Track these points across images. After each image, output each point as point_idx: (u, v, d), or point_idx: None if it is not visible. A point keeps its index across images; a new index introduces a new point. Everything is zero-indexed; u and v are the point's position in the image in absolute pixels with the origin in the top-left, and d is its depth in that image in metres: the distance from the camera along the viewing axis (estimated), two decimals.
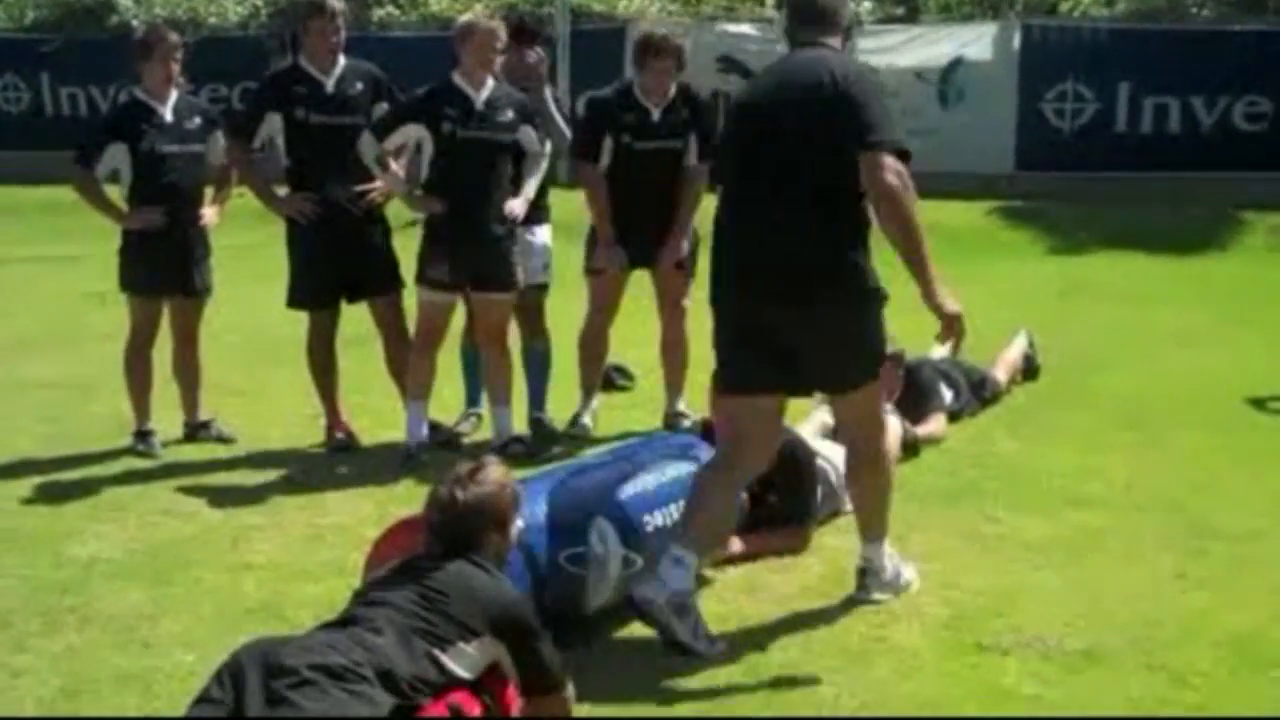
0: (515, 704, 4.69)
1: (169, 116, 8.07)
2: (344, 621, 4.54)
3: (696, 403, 8.07)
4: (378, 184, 7.98)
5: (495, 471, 4.92)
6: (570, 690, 4.71)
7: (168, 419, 8.48)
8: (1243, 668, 5.20)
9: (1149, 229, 16.11)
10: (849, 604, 5.82)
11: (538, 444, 8.03)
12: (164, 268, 8.09)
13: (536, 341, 8.55)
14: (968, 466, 7.81)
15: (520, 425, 8.25)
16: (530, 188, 7.92)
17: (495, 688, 4.64)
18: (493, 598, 4.62)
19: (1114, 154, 17.89)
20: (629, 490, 5.78)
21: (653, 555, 5.47)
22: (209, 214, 8.29)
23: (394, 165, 7.82)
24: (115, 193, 8.19)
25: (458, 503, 4.76)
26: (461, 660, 4.51)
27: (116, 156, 8.03)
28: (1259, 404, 9.11)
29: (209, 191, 8.44)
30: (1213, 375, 9.89)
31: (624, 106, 8.01)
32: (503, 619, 4.60)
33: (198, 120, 8.22)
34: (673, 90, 7.89)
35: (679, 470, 5.92)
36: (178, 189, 8.10)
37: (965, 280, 9.47)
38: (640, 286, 8.50)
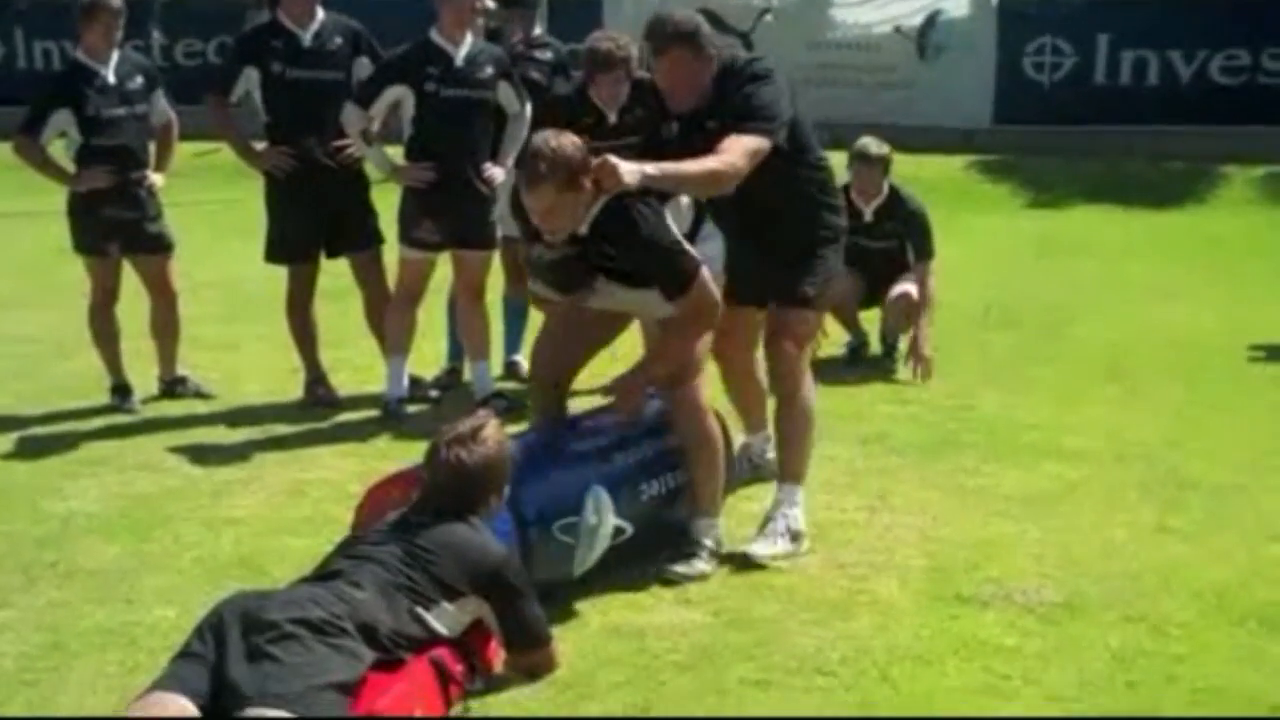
0: (497, 659, 4.71)
1: (111, 78, 8.00)
2: (325, 575, 4.54)
3: None
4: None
5: (494, 432, 4.93)
6: (555, 645, 4.73)
7: (146, 375, 8.44)
8: (1222, 619, 5.22)
9: (1128, 182, 16.13)
10: (829, 558, 5.83)
11: (512, 395, 8.01)
12: (114, 227, 8.04)
13: (519, 291, 8.51)
14: (947, 420, 7.82)
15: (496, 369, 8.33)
16: (512, 154, 7.87)
17: (477, 644, 4.66)
18: (479, 557, 4.63)
19: (1093, 107, 17.86)
20: (627, 457, 5.76)
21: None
22: (155, 178, 8.24)
23: (378, 132, 7.79)
24: (59, 149, 8.14)
25: (464, 465, 4.78)
26: (444, 618, 4.53)
27: (62, 121, 7.97)
28: (1238, 356, 9.14)
29: (153, 149, 8.39)
30: (1192, 328, 9.91)
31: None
32: (487, 577, 4.61)
33: (140, 80, 8.15)
34: (624, 95, 7.63)
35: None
36: (125, 149, 8.06)
37: (943, 234, 9.49)
38: None
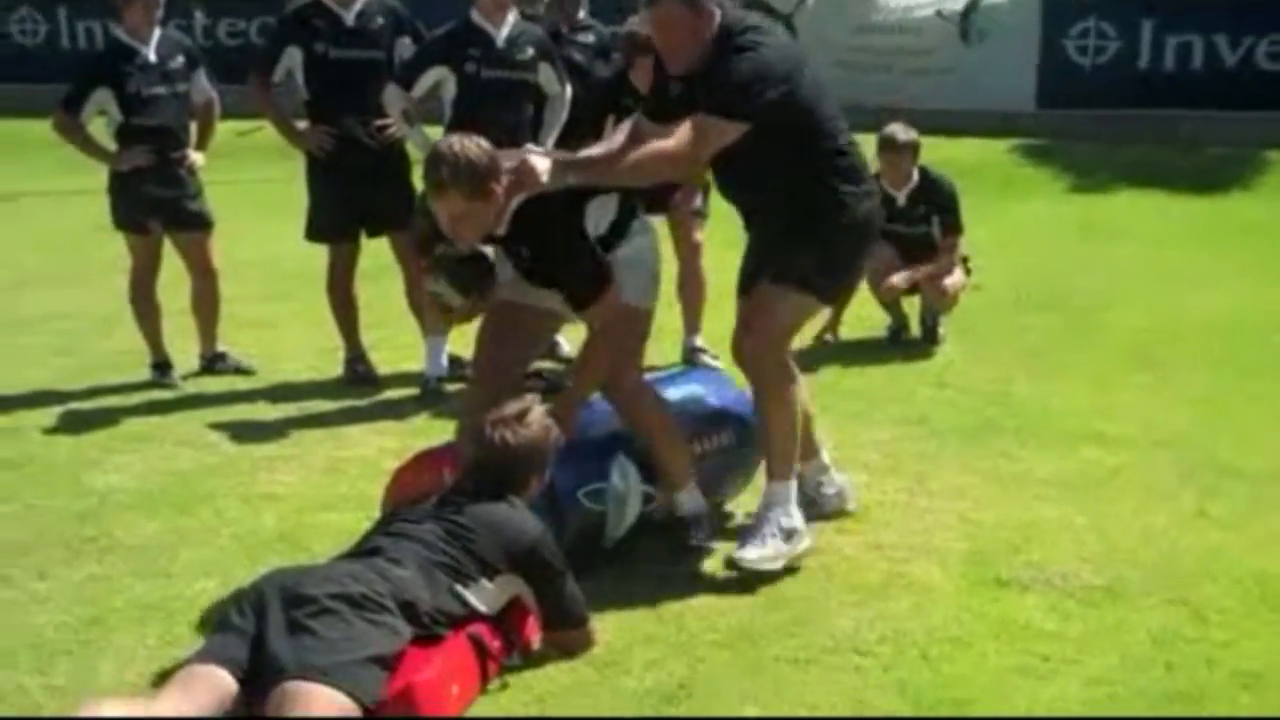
0: (535, 636, 4.71)
1: (152, 57, 8.04)
2: (366, 552, 4.55)
3: (712, 337, 8.05)
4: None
5: (539, 415, 4.94)
6: (592, 625, 4.74)
7: (187, 351, 8.48)
8: (1262, 605, 5.19)
9: (1170, 168, 16.02)
10: (868, 539, 5.82)
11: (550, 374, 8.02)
12: (154, 205, 8.10)
13: None
14: (986, 405, 7.79)
15: None
16: (552, 136, 7.88)
17: (515, 620, 4.67)
18: (517, 535, 4.64)
19: (1136, 92, 17.74)
20: None
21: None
22: (195, 157, 8.28)
23: (419, 114, 7.79)
24: (100, 127, 8.18)
25: (510, 447, 4.80)
26: (483, 596, 4.54)
27: (102, 99, 8.01)
28: (1277, 343, 9.06)
29: (194, 128, 8.43)
30: (1232, 314, 9.85)
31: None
32: (526, 556, 4.62)
33: (180, 59, 8.20)
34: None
35: (702, 409, 5.88)
36: (165, 129, 8.11)
37: (983, 218, 9.48)
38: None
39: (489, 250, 5.21)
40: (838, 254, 5.54)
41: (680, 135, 5.08)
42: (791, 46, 5.48)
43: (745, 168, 5.36)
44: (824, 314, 7.90)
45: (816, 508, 5.97)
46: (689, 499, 5.65)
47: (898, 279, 9.07)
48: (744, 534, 5.52)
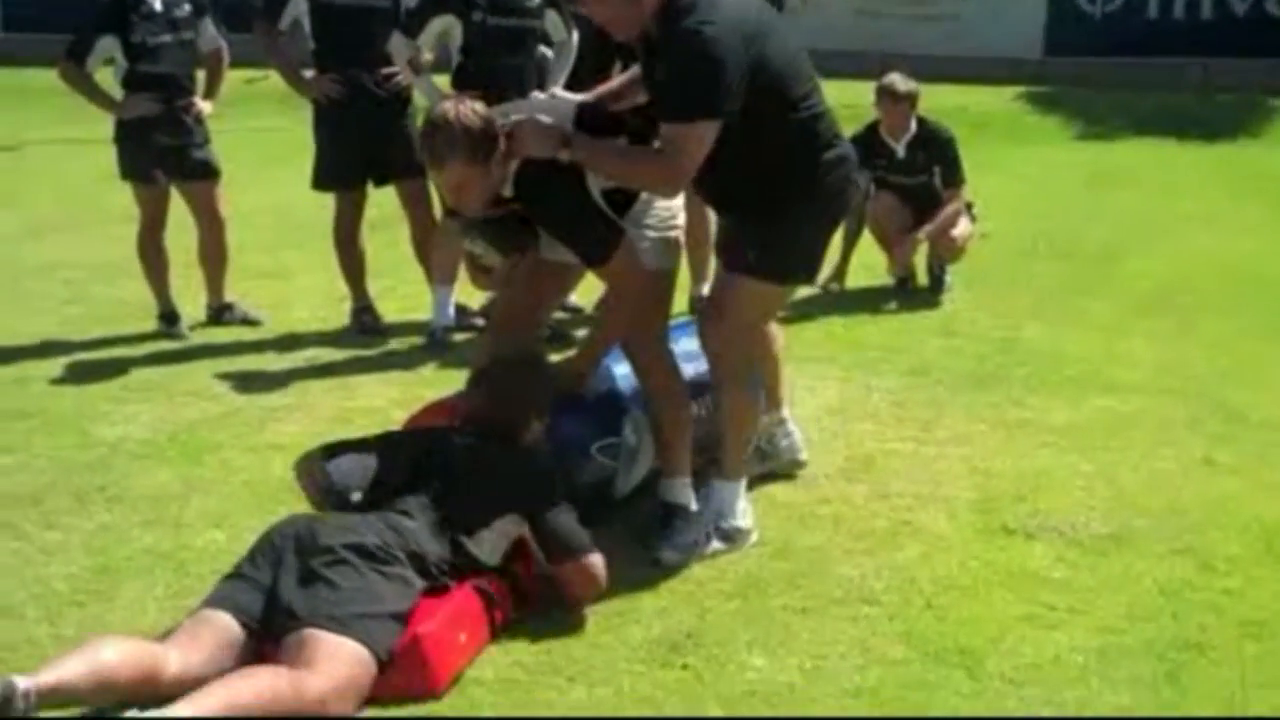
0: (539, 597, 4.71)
1: (158, 5, 7.99)
2: (375, 502, 4.56)
3: None
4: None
5: (536, 357, 4.94)
6: (597, 556, 4.67)
7: (194, 302, 8.48)
8: (1269, 554, 5.19)
9: (1179, 115, 15.97)
10: (875, 488, 5.82)
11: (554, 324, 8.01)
12: (161, 154, 8.06)
13: None
14: (995, 352, 7.78)
15: None
16: (558, 83, 7.84)
17: (523, 571, 4.67)
18: (521, 473, 4.66)
19: (1145, 39, 17.70)
20: None
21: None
22: (204, 105, 8.25)
23: (427, 61, 7.74)
24: (108, 75, 8.16)
25: (508, 393, 4.80)
26: (486, 545, 4.53)
27: (108, 47, 7.98)
28: None
29: (201, 76, 8.40)
30: (1241, 261, 9.83)
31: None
32: (529, 491, 4.62)
33: (187, 7, 8.14)
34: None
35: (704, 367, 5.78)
36: (171, 77, 8.08)
37: (991, 166, 9.46)
38: None
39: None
40: (797, 235, 5.13)
41: (661, 155, 4.83)
42: (748, 15, 4.88)
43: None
44: (831, 261, 7.85)
45: (769, 460, 5.86)
46: (680, 488, 5.40)
47: (907, 245, 9.05)
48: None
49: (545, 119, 4.92)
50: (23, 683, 3.73)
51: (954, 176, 9.08)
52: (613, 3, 4.88)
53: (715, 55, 4.69)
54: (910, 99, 8.99)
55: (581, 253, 5.02)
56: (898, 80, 9.03)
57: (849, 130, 5.75)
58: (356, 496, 4.70)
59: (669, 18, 4.76)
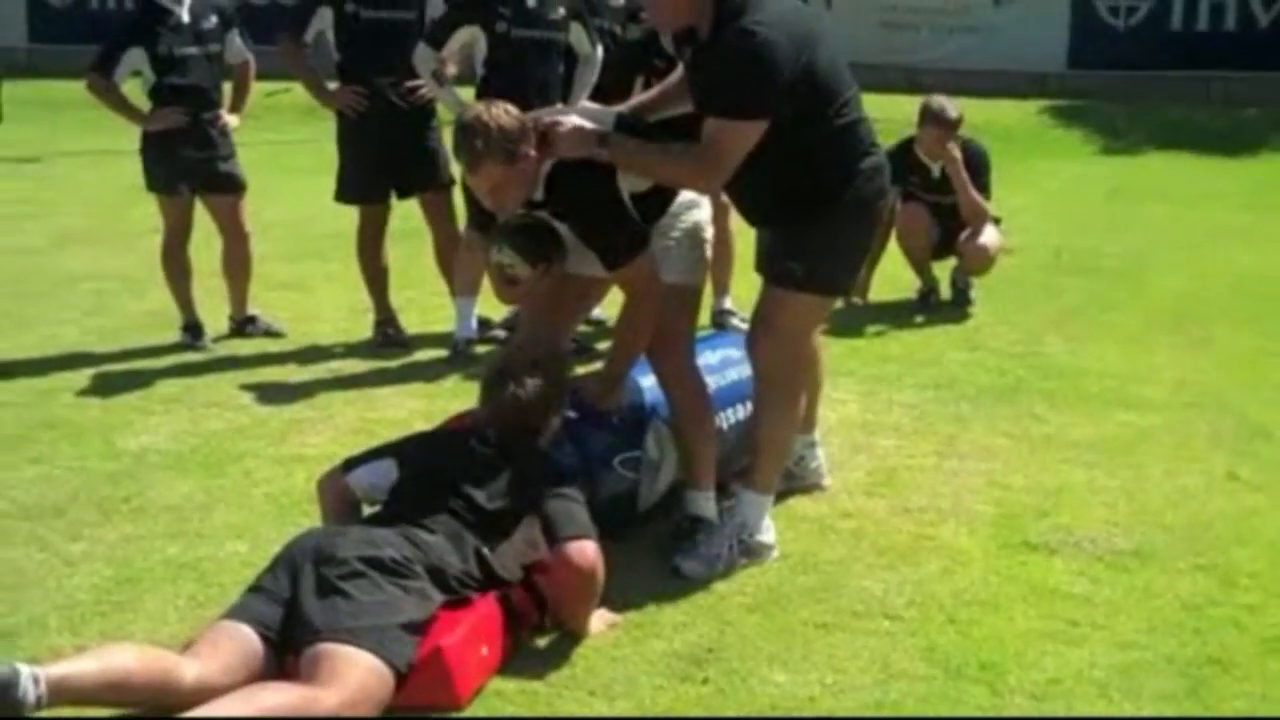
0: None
1: (185, 17, 8.03)
2: (395, 517, 4.55)
3: (741, 301, 8.04)
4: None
5: (547, 356, 4.95)
6: (580, 544, 4.49)
7: (217, 314, 8.51)
8: None
9: (1202, 128, 15.96)
10: (896, 502, 5.82)
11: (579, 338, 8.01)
12: (187, 167, 8.10)
13: None
14: (1016, 366, 7.78)
15: None
16: (582, 96, 7.86)
17: (541, 578, 4.66)
18: (539, 474, 4.65)
19: (1168, 52, 17.68)
20: None
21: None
22: (230, 118, 8.28)
23: (450, 74, 7.76)
24: (136, 87, 8.18)
25: (520, 398, 4.79)
26: (505, 558, 4.53)
27: (135, 60, 8.01)
28: None
29: (227, 89, 8.42)
30: (1264, 275, 9.83)
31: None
32: (545, 487, 4.59)
33: (214, 19, 8.18)
34: None
35: (740, 373, 5.71)
36: (197, 89, 8.11)
37: (1014, 180, 9.46)
38: None
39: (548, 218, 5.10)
40: (838, 244, 5.14)
41: (700, 151, 4.85)
42: (800, 20, 4.97)
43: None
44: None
45: (794, 480, 5.83)
46: (704, 501, 5.39)
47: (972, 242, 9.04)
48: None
49: (582, 120, 4.94)
50: (28, 668, 3.74)
51: (983, 190, 9.04)
52: None
53: (767, 57, 4.72)
54: (957, 125, 8.94)
55: (605, 255, 5.00)
56: (948, 106, 8.95)
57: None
58: (376, 509, 4.72)
59: (721, 16, 4.80)
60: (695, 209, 5.36)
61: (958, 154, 8.90)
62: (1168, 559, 5.25)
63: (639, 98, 5.54)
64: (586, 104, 5.23)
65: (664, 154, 5.00)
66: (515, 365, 4.89)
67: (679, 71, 5.30)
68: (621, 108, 5.33)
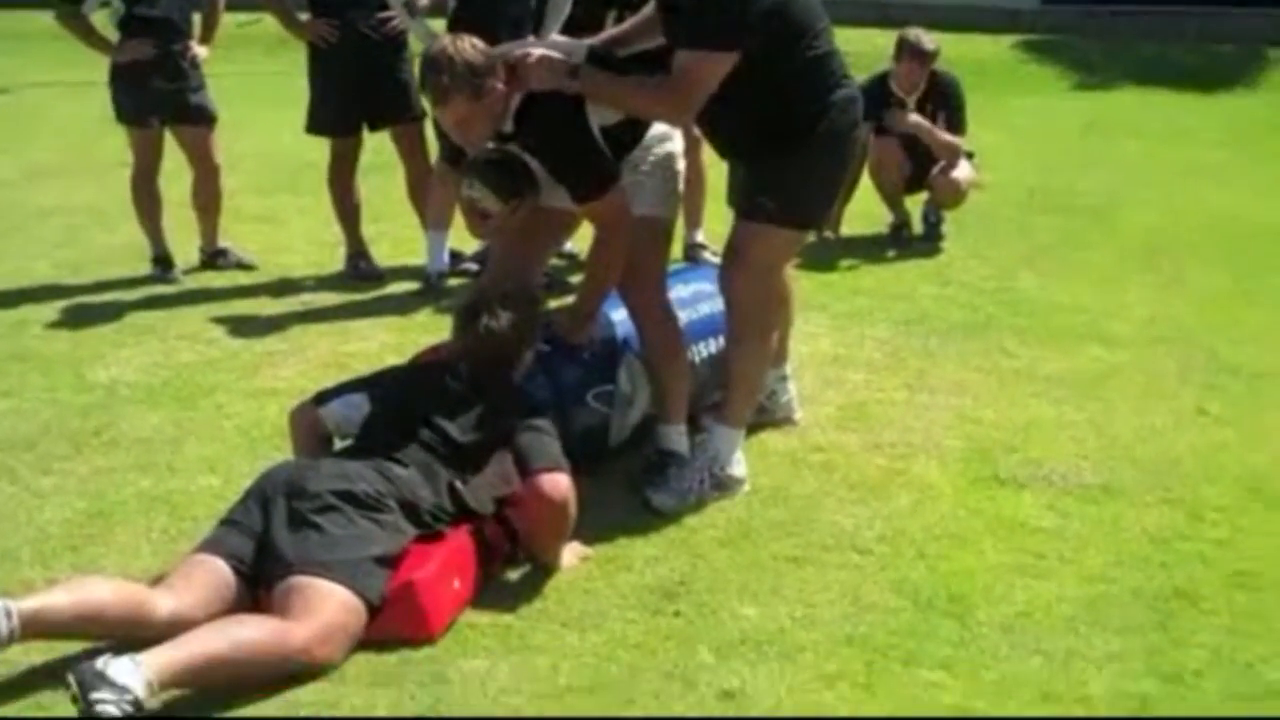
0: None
1: None
2: (367, 450, 4.55)
3: (713, 235, 8.03)
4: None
5: (518, 289, 4.94)
6: (551, 475, 4.50)
7: (188, 246, 8.48)
8: (1259, 504, 5.22)
9: (1177, 65, 15.96)
10: (867, 437, 5.84)
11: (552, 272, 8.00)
12: (156, 98, 8.03)
13: None
14: (987, 302, 7.80)
15: None
16: (554, 29, 7.79)
17: (513, 512, 4.67)
18: (508, 409, 4.65)
19: None
20: None
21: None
22: (200, 50, 8.22)
23: (422, 6, 7.71)
24: (105, 18, 8.12)
25: (493, 332, 4.79)
26: (478, 491, 4.54)
27: None
28: None
29: (197, 20, 8.35)
30: (1237, 213, 9.85)
31: None
32: (517, 418, 4.60)
33: None
34: None
35: (713, 306, 5.69)
36: (167, 21, 8.04)
37: (988, 116, 9.44)
38: None
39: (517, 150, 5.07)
40: (811, 178, 5.12)
41: (670, 82, 4.82)
42: None
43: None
44: None
45: (765, 414, 5.83)
46: (676, 436, 5.40)
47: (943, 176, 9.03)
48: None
49: (552, 52, 4.91)
50: (1, 602, 3.75)
51: (958, 122, 9.04)
52: None
53: None
54: (934, 57, 8.93)
55: (574, 188, 4.99)
56: (924, 38, 8.92)
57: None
58: (348, 443, 4.73)
59: None
60: (667, 141, 5.34)
61: (923, 121, 8.91)
62: (1136, 493, 5.29)
63: (610, 31, 5.52)
64: (557, 37, 5.18)
65: (634, 85, 4.98)
66: (488, 299, 4.89)
67: (650, 6, 5.28)
68: (592, 41, 5.31)
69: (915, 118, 8.94)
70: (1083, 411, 6.13)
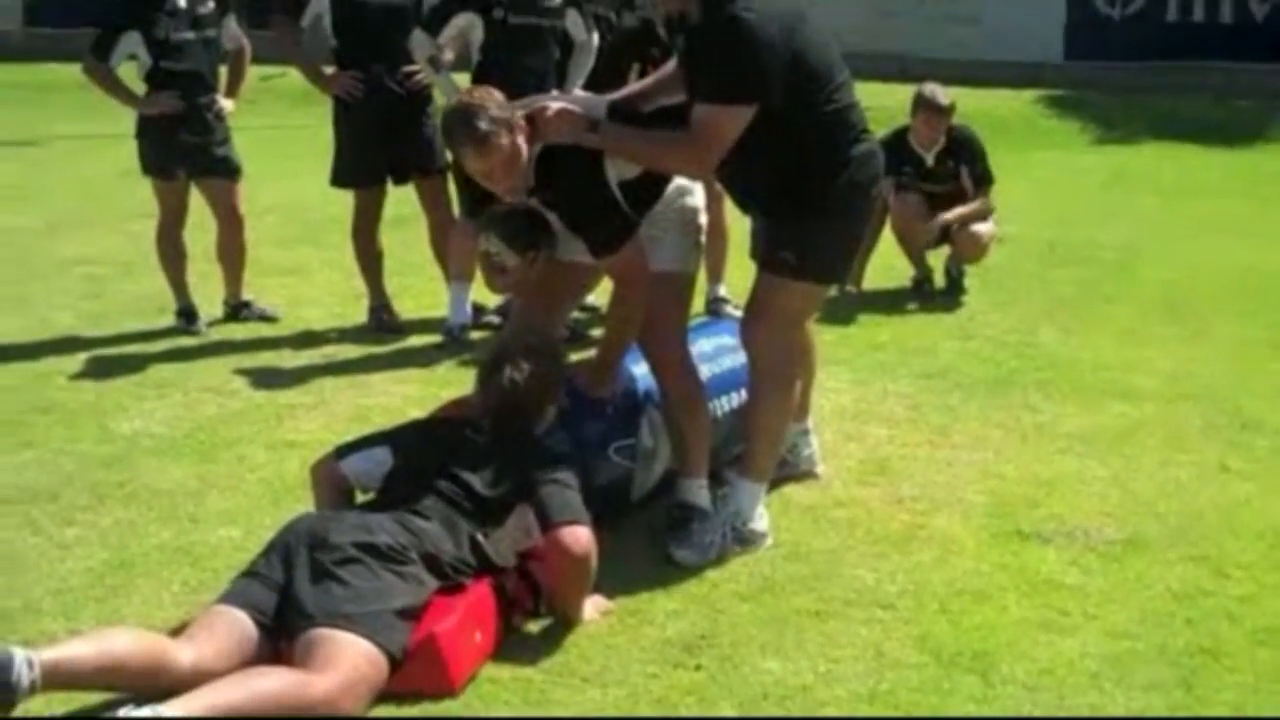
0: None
1: (182, 2, 8.01)
2: (389, 503, 4.55)
3: (736, 288, 8.04)
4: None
5: (544, 345, 4.95)
6: (573, 529, 4.49)
7: (212, 298, 8.51)
8: None
9: (1197, 120, 15.95)
10: (889, 491, 5.83)
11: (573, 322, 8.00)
12: (182, 151, 8.09)
13: None
14: (1010, 356, 7.78)
15: None
16: (578, 83, 7.86)
17: (540, 569, 4.67)
18: (535, 462, 4.65)
19: (1164, 43, 17.67)
20: None
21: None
22: (225, 103, 8.28)
23: (447, 60, 7.76)
24: (132, 72, 8.18)
25: (517, 385, 4.79)
26: (500, 544, 4.54)
27: (132, 44, 8.00)
28: None
29: (224, 73, 8.42)
30: (1259, 267, 9.82)
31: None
32: (539, 472, 4.59)
33: (210, 4, 8.16)
34: None
35: (735, 360, 5.71)
36: (194, 74, 8.10)
37: (1009, 170, 9.45)
38: None
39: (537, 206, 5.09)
40: (831, 232, 5.13)
41: (689, 135, 4.83)
42: (789, 5, 4.94)
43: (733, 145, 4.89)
44: None
45: (787, 468, 5.80)
46: (698, 490, 5.38)
47: (930, 225, 9.04)
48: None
49: (572, 105, 4.93)
50: (22, 652, 3.75)
51: (983, 176, 9.07)
52: None
53: (753, 41, 4.73)
54: (950, 112, 8.95)
55: (591, 242, 5.01)
56: (939, 93, 8.96)
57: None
58: (370, 496, 4.73)
59: (709, 3, 4.79)
60: (687, 196, 5.35)
61: (949, 216, 9.03)
62: (1159, 549, 5.26)
63: (633, 86, 5.54)
64: (578, 92, 5.21)
65: (653, 139, 4.99)
66: (511, 352, 4.90)
67: (672, 62, 5.31)
68: (614, 96, 5.33)
69: (945, 217, 9.04)
70: (1106, 467, 6.11)
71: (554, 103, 4.97)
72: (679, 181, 5.28)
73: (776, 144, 4.90)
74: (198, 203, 8.35)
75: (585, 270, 5.38)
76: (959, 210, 9.01)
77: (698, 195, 5.42)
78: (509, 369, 4.83)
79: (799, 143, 4.96)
